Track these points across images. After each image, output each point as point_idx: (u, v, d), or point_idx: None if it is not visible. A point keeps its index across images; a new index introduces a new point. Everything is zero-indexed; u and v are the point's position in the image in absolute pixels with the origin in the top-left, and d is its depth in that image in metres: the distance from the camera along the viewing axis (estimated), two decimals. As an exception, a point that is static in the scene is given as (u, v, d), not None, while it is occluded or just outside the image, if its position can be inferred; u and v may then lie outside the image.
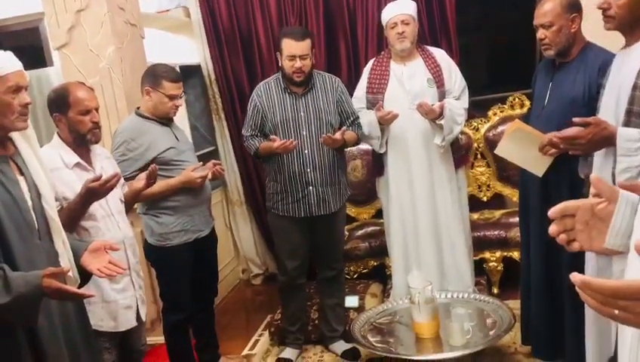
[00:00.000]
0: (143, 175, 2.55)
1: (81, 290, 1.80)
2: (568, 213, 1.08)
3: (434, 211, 3.30)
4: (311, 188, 3.06)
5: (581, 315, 2.34)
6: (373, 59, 3.43)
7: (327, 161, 3.08)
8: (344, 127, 3.03)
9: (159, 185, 2.76)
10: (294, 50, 2.96)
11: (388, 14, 3.23)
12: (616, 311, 0.82)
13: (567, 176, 2.47)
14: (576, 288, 0.84)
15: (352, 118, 3.21)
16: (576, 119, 2.11)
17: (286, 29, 3.26)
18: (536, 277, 2.71)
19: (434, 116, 3.10)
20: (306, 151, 3.05)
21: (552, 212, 1.08)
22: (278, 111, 3.06)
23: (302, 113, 3.06)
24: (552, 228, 1.09)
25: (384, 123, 3.17)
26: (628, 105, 1.99)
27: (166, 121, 2.91)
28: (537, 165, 2.51)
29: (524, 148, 2.50)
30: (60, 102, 2.29)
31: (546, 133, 2.43)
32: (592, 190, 1.09)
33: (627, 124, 2.00)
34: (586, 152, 2.20)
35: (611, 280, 0.83)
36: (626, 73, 2.01)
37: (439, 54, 3.34)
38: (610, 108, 2.10)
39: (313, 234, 3.19)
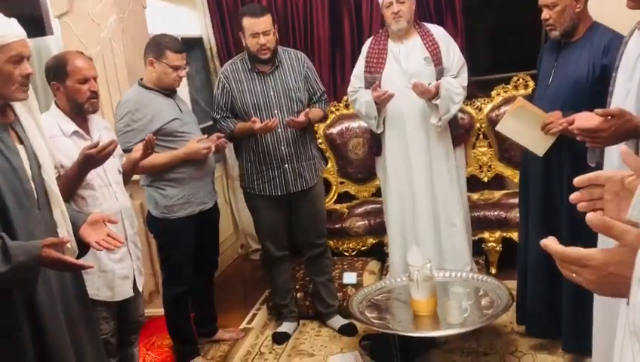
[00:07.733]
0: (140, 145, 2.54)
1: (80, 261, 1.80)
2: (598, 183, 1.06)
3: (431, 190, 3.28)
4: (286, 165, 3.09)
5: (580, 294, 2.27)
6: (371, 37, 3.37)
7: (300, 137, 3.11)
8: (307, 109, 3.04)
9: (164, 155, 2.77)
10: (256, 27, 2.96)
11: None
12: (574, 274, 0.89)
13: (569, 159, 2.45)
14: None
15: (318, 94, 3.22)
16: (598, 110, 1.89)
17: (244, 8, 3.24)
18: (534, 257, 2.70)
19: (429, 96, 3.06)
20: (279, 130, 3.05)
21: (579, 180, 1.06)
22: (247, 93, 3.06)
23: (272, 93, 3.06)
24: (575, 195, 1.07)
25: (380, 103, 3.14)
26: None
27: (169, 92, 2.89)
28: (539, 144, 2.50)
29: (526, 127, 2.49)
30: (58, 70, 2.27)
31: (549, 112, 2.42)
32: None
33: None
34: (606, 145, 1.99)
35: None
36: None
37: (437, 31, 3.27)
38: (624, 94, 1.92)
39: (293, 213, 3.22)
